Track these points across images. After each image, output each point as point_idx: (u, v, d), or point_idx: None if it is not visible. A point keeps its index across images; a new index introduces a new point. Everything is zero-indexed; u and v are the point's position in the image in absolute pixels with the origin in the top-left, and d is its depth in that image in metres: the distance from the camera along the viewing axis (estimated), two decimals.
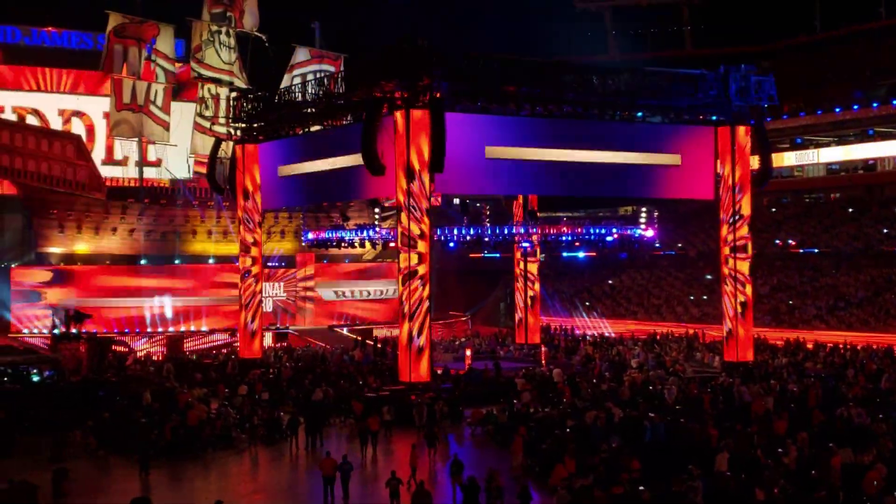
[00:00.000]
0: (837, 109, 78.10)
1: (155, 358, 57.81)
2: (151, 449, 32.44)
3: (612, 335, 66.27)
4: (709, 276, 73.64)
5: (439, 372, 46.25)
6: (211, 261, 68.77)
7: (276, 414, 38.62)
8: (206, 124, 71.20)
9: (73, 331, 49.72)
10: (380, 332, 67.27)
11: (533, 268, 61.38)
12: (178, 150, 73.56)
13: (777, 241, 77.22)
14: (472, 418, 38.40)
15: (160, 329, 64.31)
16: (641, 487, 24.85)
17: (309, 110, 49.40)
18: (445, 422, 38.79)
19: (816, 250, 74.75)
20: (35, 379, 43.47)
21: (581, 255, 78.13)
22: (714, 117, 49.95)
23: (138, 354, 58.07)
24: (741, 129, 49.66)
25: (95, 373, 45.77)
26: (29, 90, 74.86)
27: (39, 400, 39.72)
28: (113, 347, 55.57)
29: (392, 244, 50.32)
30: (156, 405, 38.86)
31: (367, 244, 53.52)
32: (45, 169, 63.76)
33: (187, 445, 34.72)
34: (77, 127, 74.38)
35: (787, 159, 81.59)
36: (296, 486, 31.94)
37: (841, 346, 55.47)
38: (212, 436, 35.85)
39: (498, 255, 71.09)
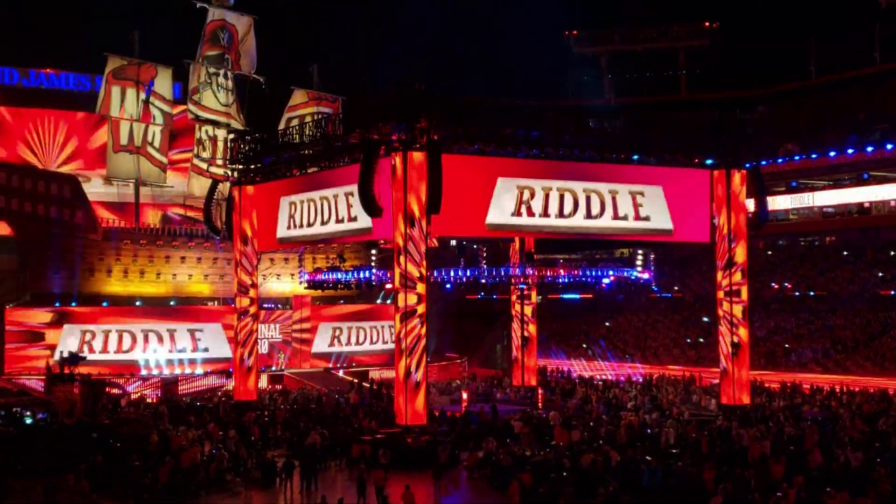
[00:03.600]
0: (832, 153, 78.41)
1: (149, 400, 57.47)
2: (145, 492, 32.16)
3: (609, 377, 66.05)
4: (705, 319, 73.56)
5: (437, 414, 46.13)
6: (208, 302, 68.62)
7: (270, 457, 38.37)
8: (204, 166, 71.43)
9: (68, 372, 49.43)
10: (376, 374, 67.00)
11: (529, 310, 61.35)
12: (175, 192, 73.76)
13: (773, 285, 77.24)
14: (470, 461, 38.19)
15: (154, 371, 64.01)
16: None
17: (306, 152, 49.56)
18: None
19: (812, 293, 74.75)
20: (28, 421, 43.27)
21: (578, 296, 78.11)
22: (709, 161, 50.17)
23: (132, 397, 57.74)
24: (737, 173, 49.90)
25: (89, 415, 45.46)
26: (27, 132, 75.01)
27: (33, 443, 39.45)
28: (107, 390, 55.21)
29: (388, 286, 50.29)
30: (150, 447, 38.60)
31: (364, 286, 53.49)
32: (41, 210, 63.76)
33: (181, 489, 34.40)
34: (73, 168, 74.57)
35: (782, 203, 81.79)
36: None
37: (837, 389, 55.33)
38: (205, 479, 35.55)
39: (494, 296, 71.09)
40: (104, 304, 65.46)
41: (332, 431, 42.36)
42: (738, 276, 49.70)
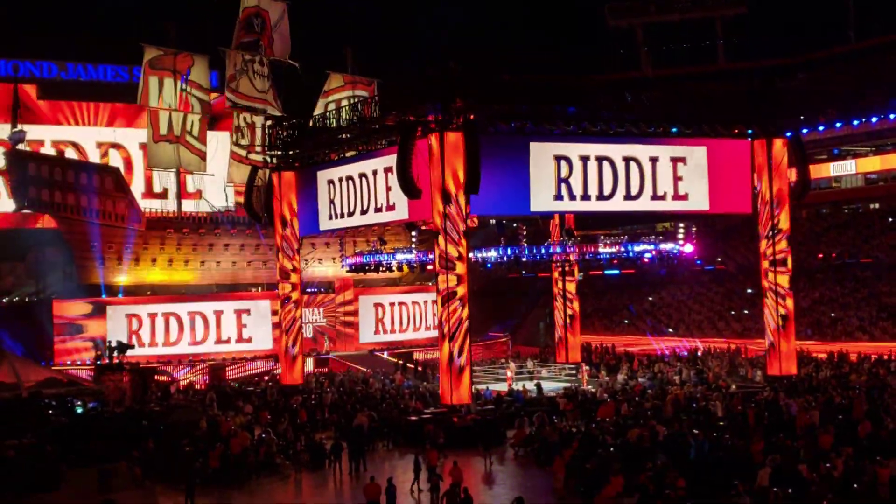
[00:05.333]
0: (874, 119, 77.45)
1: (197, 386, 58.16)
2: (197, 478, 32.63)
3: (654, 352, 65.90)
4: (749, 290, 73.13)
5: (481, 393, 46.39)
6: (252, 289, 69.20)
7: (319, 439, 38.77)
8: (243, 153, 71.79)
9: (116, 361, 50.12)
10: (420, 355, 67.28)
11: (571, 286, 61.28)
12: (215, 180, 74.28)
13: (818, 254, 76.58)
14: (515, 439, 38.36)
15: (202, 358, 64.60)
16: None
17: (344, 136, 49.80)
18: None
19: (857, 261, 74.04)
20: (79, 411, 43.90)
21: (620, 272, 77.90)
22: (750, 130, 49.81)
23: (181, 383, 58.44)
24: (778, 142, 49.52)
25: (139, 403, 46.11)
26: (66, 125, 75.79)
27: (84, 432, 40.03)
28: (155, 377, 55.95)
29: (430, 267, 50.53)
30: (200, 433, 39.08)
31: (405, 267, 53.75)
32: (84, 202, 64.47)
33: (232, 473, 34.87)
34: (115, 159, 75.28)
35: (824, 170, 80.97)
36: None
37: (886, 356, 54.89)
38: (256, 463, 36.01)
39: (536, 274, 71.05)
40: (149, 293, 66.18)
41: (378, 413, 42.71)
42: (781, 246, 49.43)
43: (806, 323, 66.31)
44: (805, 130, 70.95)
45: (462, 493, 27.43)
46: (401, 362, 64.07)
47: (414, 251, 53.47)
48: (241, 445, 36.34)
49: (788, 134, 50.27)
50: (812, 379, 48.39)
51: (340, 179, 49.67)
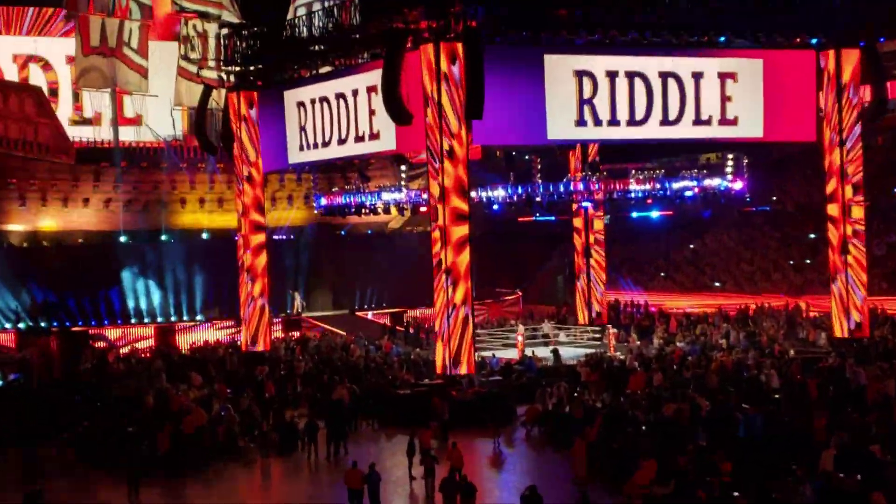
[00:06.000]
0: None
1: (142, 354, 58.30)
2: (141, 463, 32.81)
3: (695, 311, 66.16)
4: (812, 236, 73.21)
5: (486, 361, 46.62)
6: (205, 235, 69.10)
7: (290, 417, 39.01)
8: (193, 69, 71.31)
9: (42, 324, 50.21)
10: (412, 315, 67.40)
11: (596, 232, 61.39)
12: (159, 102, 73.82)
13: (894, 190, 76.61)
14: (528, 416, 38.58)
15: (147, 319, 64.61)
16: (736, 494, 24.98)
17: (317, 48, 49.57)
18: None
19: None
20: None
21: (655, 214, 77.95)
22: (815, 39, 49.63)
23: (121, 350, 58.58)
24: (849, 53, 49.36)
25: (70, 374, 46.27)
26: None
27: (5, 408, 40.27)
28: (90, 343, 56.08)
29: (423, 208, 50.52)
30: (146, 410, 39.26)
31: (393, 209, 53.72)
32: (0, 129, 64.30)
33: (185, 458, 35.06)
34: (36, 77, 74.75)
35: None
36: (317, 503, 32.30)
37: None
38: (213, 446, 36.24)
39: (553, 217, 71.09)
40: (81, 241, 66.09)
41: (361, 385, 42.88)
42: (851, 181, 49.51)
43: (880, 275, 66.51)
44: (882, 39, 70.58)
45: (461, 480, 27.65)
46: (388, 325, 64.26)
47: (403, 189, 53.40)
48: (196, 425, 36.55)
49: (862, 43, 50.10)
50: (887, 342, 48.64)
51: (313, 101, 49.57)
